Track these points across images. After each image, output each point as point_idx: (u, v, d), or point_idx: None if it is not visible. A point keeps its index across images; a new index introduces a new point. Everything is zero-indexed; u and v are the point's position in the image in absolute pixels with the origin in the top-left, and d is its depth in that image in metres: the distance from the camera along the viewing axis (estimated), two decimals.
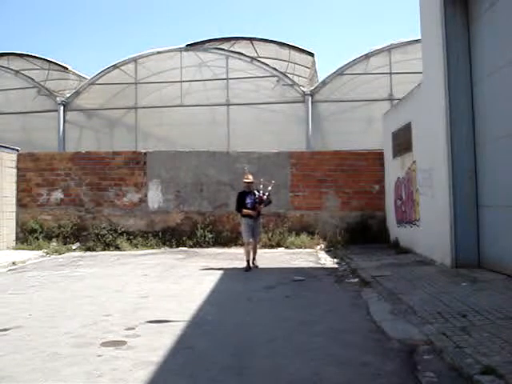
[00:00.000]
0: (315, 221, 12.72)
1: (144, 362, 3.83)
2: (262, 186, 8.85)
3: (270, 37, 22.37)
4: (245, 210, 8.79)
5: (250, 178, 8.97)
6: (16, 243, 12.36)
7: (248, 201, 8.79)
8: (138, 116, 15.87)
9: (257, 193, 8.82)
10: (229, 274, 8.29)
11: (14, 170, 12.77)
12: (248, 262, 8.79)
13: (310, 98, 15.06)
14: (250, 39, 17.14)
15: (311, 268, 8.90)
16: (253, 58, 15.76)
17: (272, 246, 12.01)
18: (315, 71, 18.21)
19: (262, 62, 15.65)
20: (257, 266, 8.93)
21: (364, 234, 12.20)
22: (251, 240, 8.83)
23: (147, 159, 12.96)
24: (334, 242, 11.88)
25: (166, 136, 16.10)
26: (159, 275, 8.22)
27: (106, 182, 12.95)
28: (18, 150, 12.97)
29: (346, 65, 15.05)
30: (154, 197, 12.91)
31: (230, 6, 58.89)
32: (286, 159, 12.85)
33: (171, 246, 12.27)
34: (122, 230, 12.50)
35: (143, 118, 15.89)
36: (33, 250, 11.55)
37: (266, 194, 8.84)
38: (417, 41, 11.89)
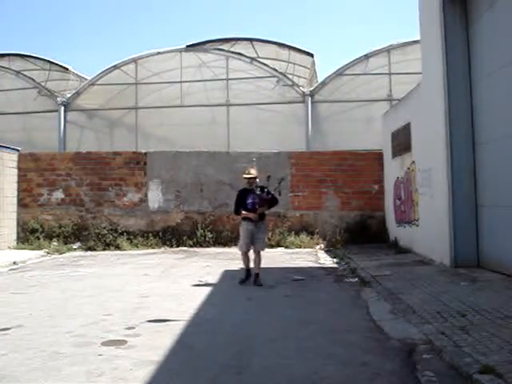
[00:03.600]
0: (315, 221, 12.74)
1: (144, 362, 3.85)
2: (267, 183, 7.67)
3: (269, 37, 22.45)
4: (244, 212, 7.13)
5: (253, 173, 7.22)
6: (17, 243, 12.37)
7: (249, 200, 7.10)
8: (138, 116, 15.89)
9: (259, 191, 7.15)
10: (229, 273, 8.30)
11: (15, 170, 12.79)
12: (247, 270, 7.25)
13: (310, 99, 15.07)
14: (250, 40, 17.16)
15: (311, 268, 8.91)
16: (253, 59, 15.78)
17: (272, 246, 11.98)
18: (315, 71, 18.22)
19: (262, 63, 15.67)
20: (260, 284, 7.04)
21: (363, 234, 12.21)
22: (249, 248, 7.22)
23: (147, 159, 12.98)
24: (333, 242, 11.90)
25: (166, 136, 16.11)
26: (159, 275, 8.23)
27: (107, 181, 12.97)
28: (18, 150, 12.98)
29: (345, 65, 15.07)
30: (155, 197, 12.92)
31: (230, 6, 58.92)
32: (285, 159, 12.87)
33: (171, 246, 12.28)
34: (123, 229, 12.52)
35: (143, 119, 15.91)
36: (33, 249, 11.56)
37: (272, 192, 7.44)
38: (416, 41, 11.88)
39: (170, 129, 16.05)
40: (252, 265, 7.25)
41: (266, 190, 7.26)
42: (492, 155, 7.23)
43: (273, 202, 7.32)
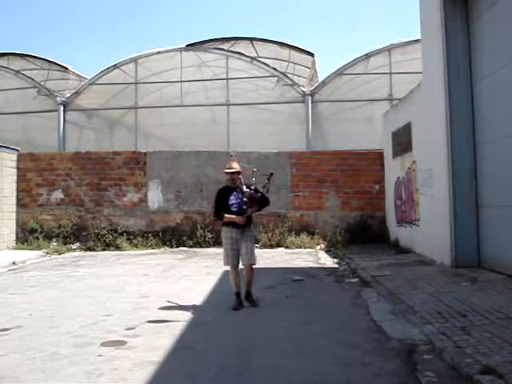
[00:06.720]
0: (315, 221, 12.72)
1: (144, 362, 3.84)
2: (254, 180, 5.95)
3: (269, 37, 22.38)
4: (227, 216, 5.76)
5: (236, 167, 5.91)
6: (16, 243, 12.35)
7: (233, 201, 5.81)
8: (138, 116, 15.86)
9: (246, 189, 5.81)
10: (228, 273, 8.27)
11: (14, 170, 12.77)
12: (237, 294, 5.80)
13: (310, 98, 15.05)
14: (250, 39, 17.15)
15: (311, 268, 8.89)
16: (253, 58, 15.76)
17: (272, 246, 12.00)
18: (315, 71, 18.21)
19: (262, 62, 15.65)
20: (255, 303, 5.81)
21: (364, 234, 12.20)
22: (238, 262, 5.89)
23: (147, 159, 12.96)
24: (333, 242, 11.87)
25: (166, 136, 16.10)
26: (159, 275, 8.22)
27: (106, 181, 12.95)
28: (18, 150, 12.97)
29: (345, 65, 15.04)
30: (154, 197, 12.91)
31: (230, 6, 58.91)
32: (285, 159, 12.85)
33: (171, 246, 12.27)
34: (122, 229, 12.50)
35: (143, 118, 15.89)
36: (33, 249, 11.54)
37: (261, 190, 5.91)
38: (417, 41, 11.88)
39: (169, 128, 16.04)
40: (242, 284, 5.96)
41: (253, 187, 5.89)
42: (493, 155, 7.21)
43: (263, 201, 5.94)
